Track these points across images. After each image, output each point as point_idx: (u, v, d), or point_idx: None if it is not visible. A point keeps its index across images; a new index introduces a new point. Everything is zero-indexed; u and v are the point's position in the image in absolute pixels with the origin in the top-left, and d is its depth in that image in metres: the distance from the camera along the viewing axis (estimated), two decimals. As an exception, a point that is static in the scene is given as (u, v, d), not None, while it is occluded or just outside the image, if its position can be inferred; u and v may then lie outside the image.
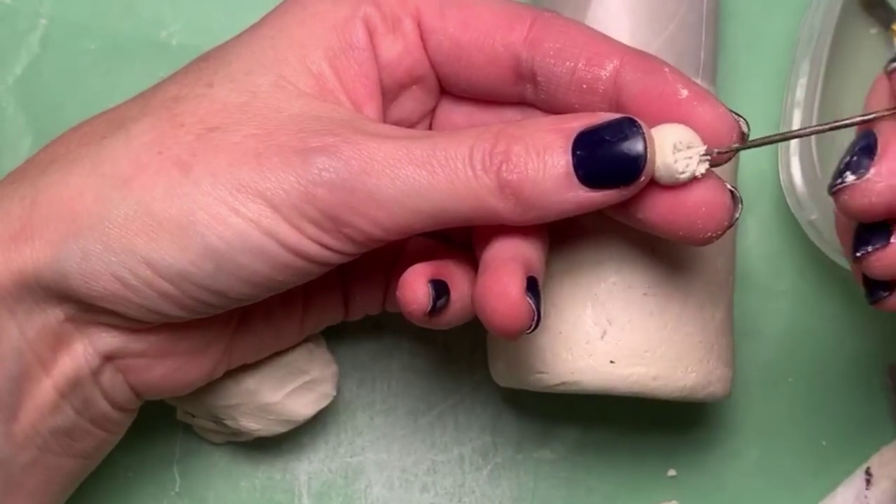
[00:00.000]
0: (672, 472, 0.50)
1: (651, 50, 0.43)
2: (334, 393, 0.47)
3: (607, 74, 0.38)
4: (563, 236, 0.42)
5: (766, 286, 0.51)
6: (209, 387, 0.44)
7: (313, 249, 0.37)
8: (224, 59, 0.39)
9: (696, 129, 0.37)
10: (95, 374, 0.39)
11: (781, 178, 0.48)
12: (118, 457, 0.48)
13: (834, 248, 0.48)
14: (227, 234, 0.36)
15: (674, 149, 0.36)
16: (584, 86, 0.39)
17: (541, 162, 0.36)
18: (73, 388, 0.39)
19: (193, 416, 0.47)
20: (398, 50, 0.40)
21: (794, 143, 0.48)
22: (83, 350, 0.39)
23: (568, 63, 0.39)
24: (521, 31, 0.39)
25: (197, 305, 0.38)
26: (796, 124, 0.48)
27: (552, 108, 0.40)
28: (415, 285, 0.38)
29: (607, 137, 0.36)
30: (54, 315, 0.38)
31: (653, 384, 0.42)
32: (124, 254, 0.36)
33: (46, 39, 0.50)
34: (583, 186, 0.36)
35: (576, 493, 0.50)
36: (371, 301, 0.46)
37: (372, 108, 0.40)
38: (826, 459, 0.50)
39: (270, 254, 0.37)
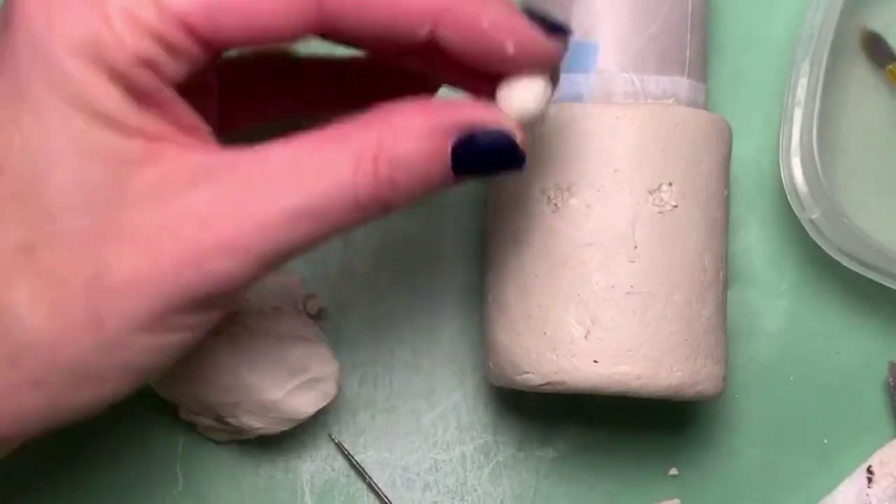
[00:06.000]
0: (673, 471, 0.50)
1: (633, 50, 0.44)
2: (335, 391, 0.47)
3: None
4: (544, 237, 0.42)
5: (766, 285, 0.51)
6: (211, 385, 0.45)
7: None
8: None
9: (534, 66, 0.37)
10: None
11: (782, 177, 0.48)
12: (121, 455, 0.49)
13: (835, 246, 0.48)
14: None
15: (533, 99, 0.37)
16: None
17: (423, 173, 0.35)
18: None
19: (196, 415, 0.47)
20: None
21: (794, 142, 0.48)
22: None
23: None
24: None
25: None
26: (797, 124, 0.48)
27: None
28: None
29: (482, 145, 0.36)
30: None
31: (636, 383, 0.42)
32: None
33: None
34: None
35: (577, 492, 0.50)
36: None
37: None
38: (827, 458, 0.50)
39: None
